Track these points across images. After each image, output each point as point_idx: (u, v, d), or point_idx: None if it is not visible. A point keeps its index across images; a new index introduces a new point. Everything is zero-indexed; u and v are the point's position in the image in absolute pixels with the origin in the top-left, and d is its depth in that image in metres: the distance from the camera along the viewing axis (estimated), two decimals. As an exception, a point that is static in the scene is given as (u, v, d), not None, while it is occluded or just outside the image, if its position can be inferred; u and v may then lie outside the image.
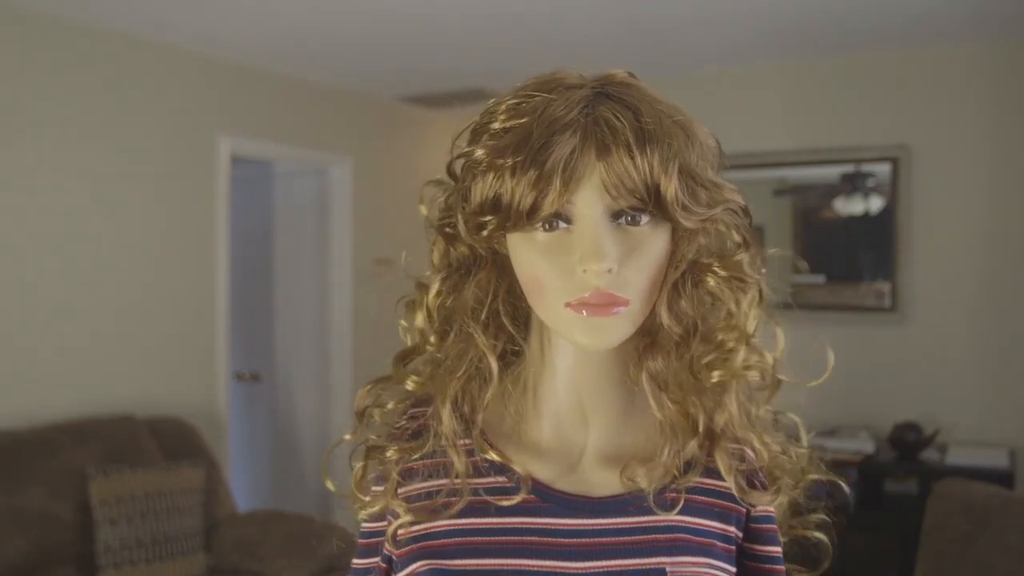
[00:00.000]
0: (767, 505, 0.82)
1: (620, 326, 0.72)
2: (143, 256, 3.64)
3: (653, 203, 0.70)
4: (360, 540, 0.86)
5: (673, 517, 0.78)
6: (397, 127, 5.04)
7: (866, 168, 3.90)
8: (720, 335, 0.77)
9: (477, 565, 0.76)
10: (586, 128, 0.69)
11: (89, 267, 3.44)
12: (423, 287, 0.83)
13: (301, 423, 4.80)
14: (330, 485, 0.89)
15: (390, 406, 0.86)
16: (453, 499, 0.78)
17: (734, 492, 0.79)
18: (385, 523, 0.83)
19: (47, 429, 3.08)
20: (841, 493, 0.94)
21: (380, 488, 0.82)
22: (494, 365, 0.78)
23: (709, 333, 0.77)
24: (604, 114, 0.70)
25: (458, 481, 0.78)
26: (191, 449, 3.41)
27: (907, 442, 3.50)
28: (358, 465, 0.84)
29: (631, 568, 0.76)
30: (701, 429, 0.78)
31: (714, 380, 0.77)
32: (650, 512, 0.77)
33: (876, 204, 3.89)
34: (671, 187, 0.70)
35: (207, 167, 3.93)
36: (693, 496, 0.79)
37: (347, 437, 0.87)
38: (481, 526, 0.78)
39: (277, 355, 4.85)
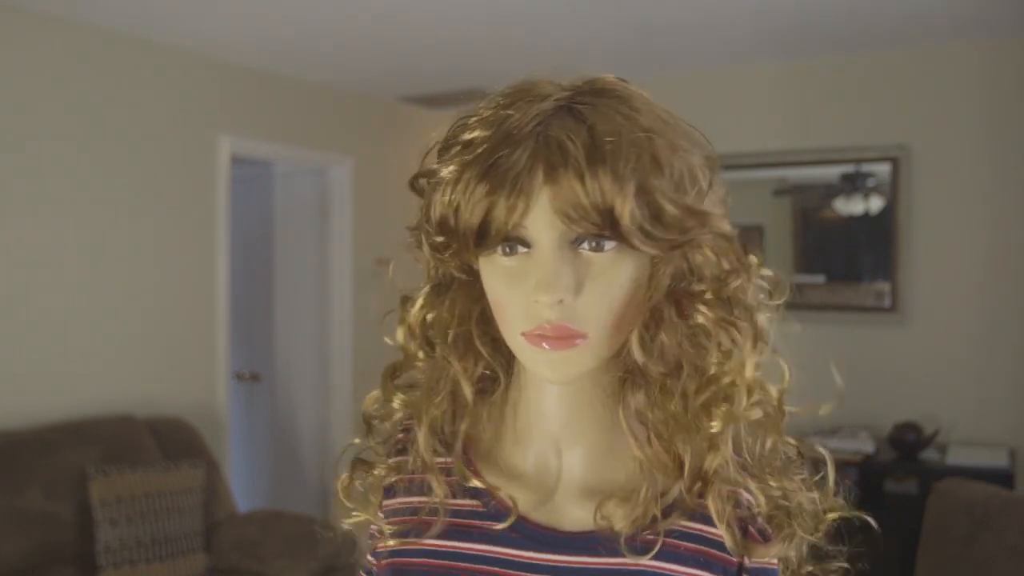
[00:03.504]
0: (766, 557, 0.73)
1: (579, 360, 0.67)
2: (143, 256, 3.65)
3: (609, 228, 0.64)
4: (368, 556, 0.87)
5: (645, 562, 0.71)
6: (397, 127, 5.04)
7: (866, 168, 3.90)
8: (714, 370, 0.70)
9: None
10: (535, 148, 0.65)
11: (89, 267, 3.44)
12: (406, 300, 0.80)
13: (301, 423, 4.80)
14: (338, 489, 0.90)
15: (398, 415, 0.84)
16: (432, 518, 0.77)
17: (726, 542, 0.71)
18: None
19: (47, 429, 3.08)
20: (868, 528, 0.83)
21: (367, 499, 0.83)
22: (468, 391, 0.75)
23: (702, 369, 0.70)
24: (556, 133, 0.65)
25: (436, 501, 0.76)
26: (191, 449, 3.41)
27: (907, 442, 3.50)
28: (343, 475, 0.83)
29: None
30: (687, 471, 0.71)
31: (714, 427, 0.70)
32: (621, 554, 0.71)
33: (876, 204, 3.89)
34: (626, 210, 0.63)
35: (207, 167, 3.93)
36: (674, 541, 0.72)
37: (356, 441, 0.85)
38: (452, 549, 0.76)
39: (277, 355, 4.85)
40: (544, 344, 0.67)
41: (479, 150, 0.66)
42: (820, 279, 4.00)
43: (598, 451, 0.76)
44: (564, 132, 0.65)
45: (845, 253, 4.03)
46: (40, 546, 2.84)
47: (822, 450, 0.78)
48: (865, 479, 3.53)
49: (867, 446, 3.58)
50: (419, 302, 0.78)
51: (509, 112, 0.68)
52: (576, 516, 0.74)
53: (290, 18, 3.39)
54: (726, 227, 0.70)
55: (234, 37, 3.65)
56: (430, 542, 0.77)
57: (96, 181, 3.47)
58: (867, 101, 3.92)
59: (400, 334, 0.80)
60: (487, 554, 0.74)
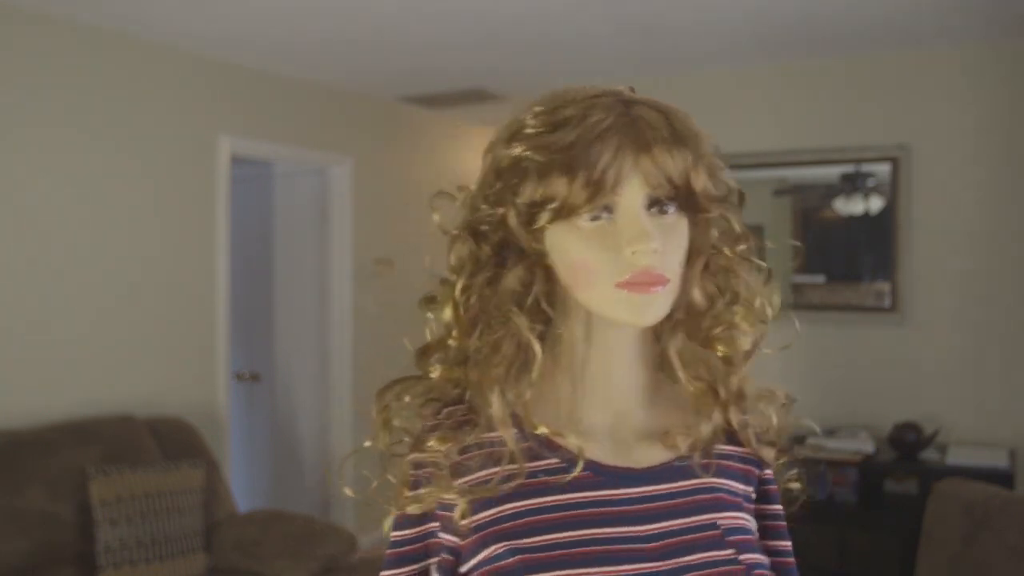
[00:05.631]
0: (771, 463, 0.92)
1: (662, 303, 0.79)
2: (143, 256, 3.65)
3: (684, 195, 0.79)
4: (390, 551, 0.88)
5: (709, 480, 0.86)
6: (397, 127, 5.04)
7: (866, 168, 3.90)
8: (731, 313, 0.87)
9: (552, 539, 0.80)
10: (628, 127, 0.77)
11: (89, 267, 3.44)
12: (447, 283, 0.88)
13: (301, 423, 4.80)
14: (349, 491, 0.93)
15: (426, 409, 0.89)
16: (509, 483, 0.81)
17: (753, 447, 0.90)
18: (421, 528, 0.85)
19: (47, 429, 3.08)
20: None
21: (418, 491, 0.84)
22: (537, 348, 0.82)
23: (722, 311, 0.86)
24: (643, 113, 0.78)
25: (513, 466, 0.81)
26: (191, 449, 3.41)
27: (907, 442, 3.50)
28: (396, 469, 0.86)
29: (688, 526, 0.84)
30: (722, 397, 0.86)
31: (721, 352, 0.87)
32: (690, 476, 0.86)
33: (876, 204, 3.89)
34: (700, 181, 0.79)
35: (207, 167, 3.93)
36: (721, 461, 0.88)
37: (367, 444, 0.89)
38: (545, 504, 0.82)
39: (277, 355, 4.86)
40: (641, 289, 0.78)
41: (574, 134, 0.77)
42: (820, 279, 4.00)
43: (648, 393, 0.88)
44: (649, 115, 0.79)
45: (845, 253, 4.03)
46: (40, 546, 2.84)
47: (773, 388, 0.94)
48: (865, 479, 3.54)
49: (867, 446, 3.58)
50: (462, 282, 0.86)
51: (591, 100, 0.80)
52: (643, 453, 0.86)
53: (290, 18, 3.39)
54: (739, 187, 0.88)
55: (234, 37, 3.65)
56: (527, 502, 0.82)
57: (96, 181, 3.47)
58: (867, 101, 3.92)
59: (447, 312, 0.87)
60: (587, 499, 0.83)
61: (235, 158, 4.13)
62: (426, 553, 0.86)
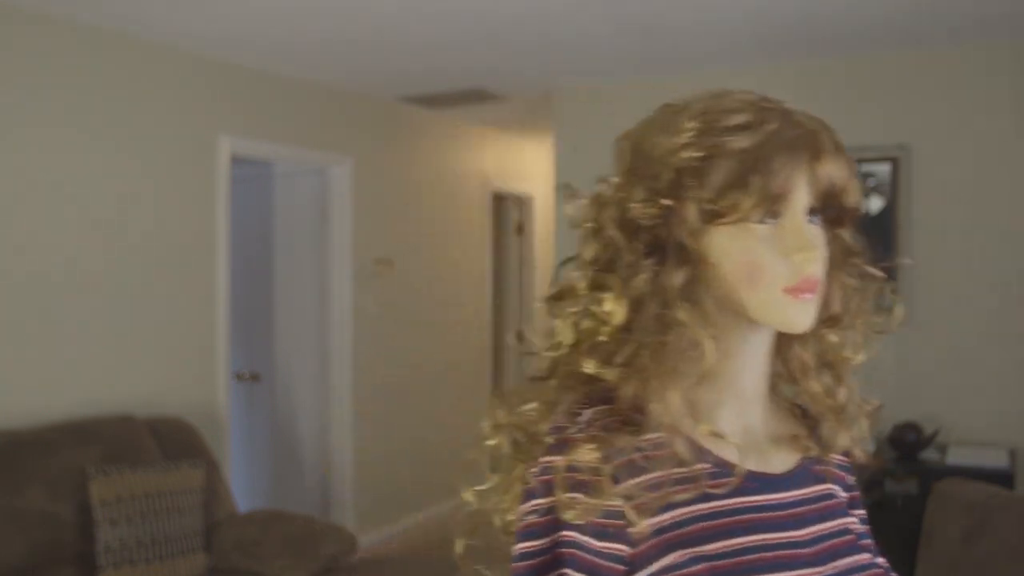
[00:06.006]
0: (854, 471, 0.95)
1: (814, 310, 0.82)
2: (143, 256, 3.64)
3: (834, 205, 0.82)
4: (523, 563, 0.81)
5: (827, 486, 0.89)
6: (397, 127, 5.04)
7: (866, 168, 3.90)
8: (852, 324, 0.89)
9: (728, 546, 0.79)
10: (803, 136, 0.79)
11: (89, 267, 3.44)
12: (603, 276, 0.84)
13: (301, 423, 4.80)
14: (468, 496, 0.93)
15: (563, 408, 0.84)
16: (683, 488, 0.79)
17: (857, 457, 0.94)
18: (553, 538, 0.80)
19: (47, 429, 3.08)
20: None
21: (575, 497, 0.78)
22: (711, 350, 0.81)
23: (848, 322, 0.89)
24: (814, 126, 0.81)
25: (684, 470, 0.80)
26: (191, 449, 3.41)
27: (907, 442, 3.50)
28: (557, 476, 0.80)
29: (831, 530, 0.85)
30: (835, 405, 0.89)
31: (850, 359, 0.90)
32: (814, 482, 0.88)
33: (876, 204, 3.90)
34: (853, 192, 0.82)
35: (207, 167, 3.93)
36: (830, 468, 0.91)
37: (490, 442, 0.89)
38: (712, 510, 0.81)
39: (277, 355, 4.85)
40: (804, 295, 0.80)
41: (769, 135, 0.78)
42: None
43: (768, 399, 0.90)
44: (817, 126, 0.81)
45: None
46: (40, 546, 2.83)
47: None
48: (865, 479, 3.53)
49: (867, 446, 3.57)
50: (640, 273, 0.83)
51: (780, 105, 0.81)
52: (776, 460, 0.87)
53: (290, 18, 3.39)
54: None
55: (234, 37, 3.65)
56: (696, 507, 0.80)
57: (96, 181, 3.47)
58: (867, 101, 3.92)
59: (609, 303, 0.83)
60: (745, 505, 0.82)
61: (235, 158, 4.13)
62: (557, 563, 0.80)
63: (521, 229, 6.60)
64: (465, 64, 4.13)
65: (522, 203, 6.54)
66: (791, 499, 0.85)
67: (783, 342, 0.88)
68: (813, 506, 0.86)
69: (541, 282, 6.53)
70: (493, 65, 4.14)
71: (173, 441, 3.39)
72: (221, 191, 3.98)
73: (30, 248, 3.24)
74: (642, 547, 0.78)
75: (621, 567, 0.78)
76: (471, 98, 4.82)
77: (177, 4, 3.21)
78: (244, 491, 4.64)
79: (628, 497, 0.78)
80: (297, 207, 4.80)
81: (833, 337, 0.89)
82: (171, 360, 3.77)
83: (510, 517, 0.91)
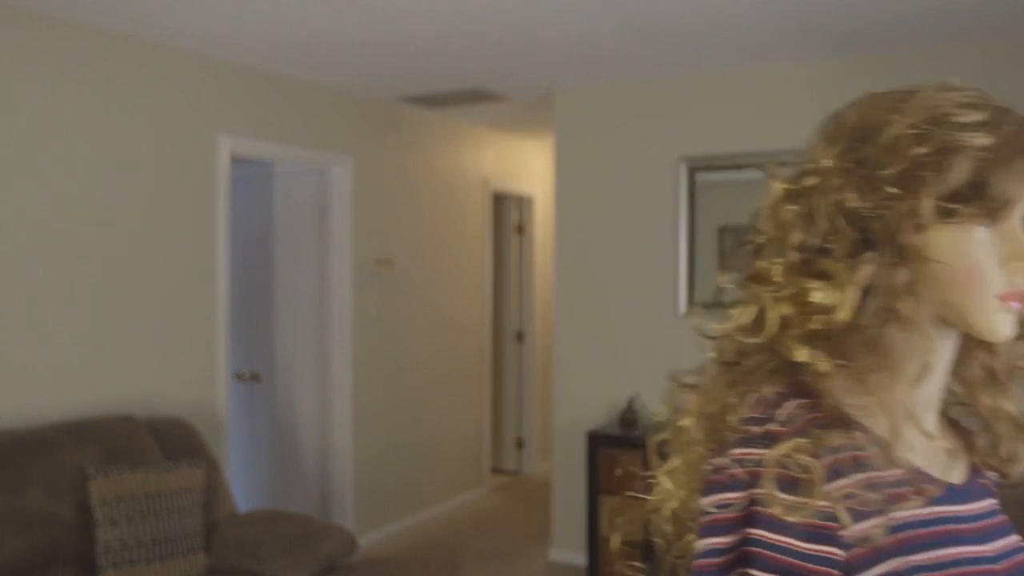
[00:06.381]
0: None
1: (1016, 320, 0.80)
2: (143, 256, 3.65)
3: None
4: (707, 560, 0.78)
5: (994, 501, 0.87)
6: (397, 127, 5.04)
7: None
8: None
9: (937, 558, 0.77)
10: None
11: (89, 267, 3.44)
12: (832, 262, 0.79)
13: (301, 423, 4.81)
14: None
15: (751, 399, 0.81)
16: (893, 491, 0.76)
17: (1015, 475, 0.91)
18: (739, 535, 0.76)
19: (47, 429, 3.08)
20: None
21: (786, 496, 0.74)
22: (936, 359, 0.81)
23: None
24: None
25: (897, 472, 0.77)
26: (191, 449, 3.41)
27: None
28: (767, 473, 0.75)
29: (1014, 546, 0.84)
30: (1016, 416, 0.88)
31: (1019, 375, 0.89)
32: (986, 496, 0.87)
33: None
34: None
35: (207, 167, 3.93)
36: (989, 481, 0.90)
37: (684, 423, 0.86)
38: (918, 518, 0.78)
39: (277, 355, 4.86)
40: (1014, 303, 0.79)
41: (998, 135, 0.76)
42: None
43: (940, 410, 0.89)
44: None
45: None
46: (40, 546, 2.84)
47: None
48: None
49: None
50: (865, 264, 0.79)
51: (997, 103, 0.79)
52: (954, 471, 0.86)
53: (290, 18, 3.39)
54: None
55: (234, 37, 3.65)
56: (904, 514, 0.77)
57: (96, 181, 3.47)
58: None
59: (835, 295, 0.78)
60: (940, 515, 0.80)
61: (235, 158, 4.13)
62: (740, 561, 0.76)
63: (521, 229, 6.60)
64: (465, 64, 4.13)
65: (522, 203, 6.54)
66: (975, 512, 0.83)
67: (972, 352, 0.88)
68: (991, 520, 0.84)
69: (541, 282, 6.53)
70: (493, 65, 4.14)
71: (173, 441, 3.39)
72: (221, 191, 3.98)
73: (30, 248, 3.24)
74: (857, 551, 0.74)
75: (834, 571, 0.73)
76: (471, 98, 4.82)
77: (177, 4, 3.21)
78: (244, 491, 4.64)
79: (843, 498, 0.73)
80: (297, 207, 4.80)
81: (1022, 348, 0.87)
82: (171, 360, 3.77)
83: (691, 505, 0.87)
